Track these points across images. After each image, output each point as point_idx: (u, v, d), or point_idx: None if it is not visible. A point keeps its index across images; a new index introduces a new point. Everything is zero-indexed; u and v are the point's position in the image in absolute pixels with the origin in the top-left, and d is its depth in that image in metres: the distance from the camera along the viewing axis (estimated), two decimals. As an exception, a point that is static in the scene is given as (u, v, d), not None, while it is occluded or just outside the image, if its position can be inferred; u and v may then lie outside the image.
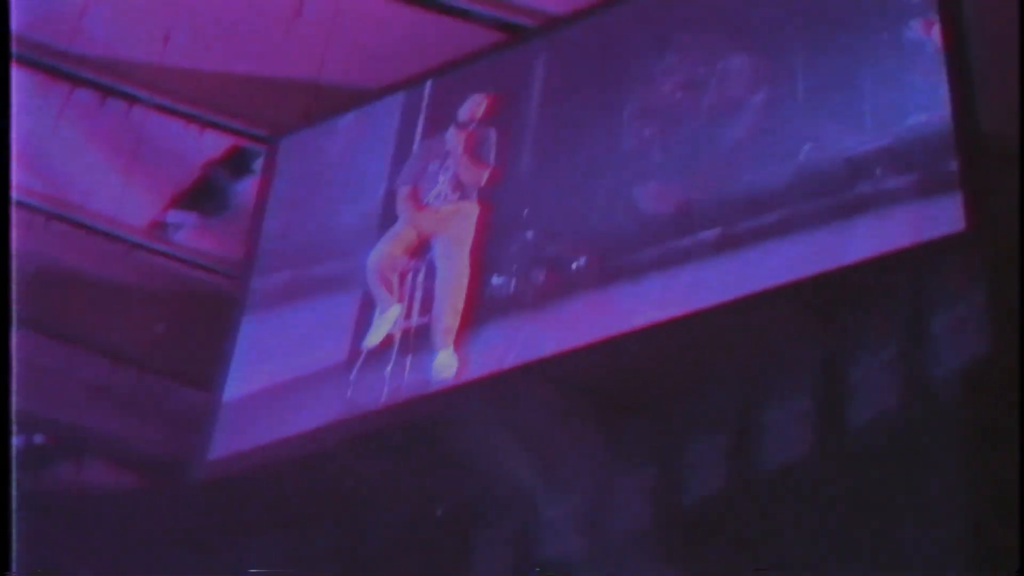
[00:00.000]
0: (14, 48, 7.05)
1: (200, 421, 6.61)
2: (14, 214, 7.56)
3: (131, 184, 7.59)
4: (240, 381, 6.81)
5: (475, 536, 6.43)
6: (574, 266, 5.94)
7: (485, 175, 6.52)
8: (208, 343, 6.97)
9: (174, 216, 7.81)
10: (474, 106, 6.73)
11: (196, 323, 7.57)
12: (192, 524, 7.38)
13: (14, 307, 3.28)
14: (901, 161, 4.96)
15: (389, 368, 6.29)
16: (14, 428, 3.18)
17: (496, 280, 6.18)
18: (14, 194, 7.53)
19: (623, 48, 6.35)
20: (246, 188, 7.52)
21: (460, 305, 6.22)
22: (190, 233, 7.88)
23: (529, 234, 6.20)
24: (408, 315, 6.44)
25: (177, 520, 7.50)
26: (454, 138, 6.73)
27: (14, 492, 3.15)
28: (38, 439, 8.53)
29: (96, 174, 7.65)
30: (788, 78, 5.61)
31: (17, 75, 7.15)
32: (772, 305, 5.10)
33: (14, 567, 3.21)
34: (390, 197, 6.84)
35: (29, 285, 7.69)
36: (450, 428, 5.98)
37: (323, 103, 7.04)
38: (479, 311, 6.16)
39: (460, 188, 6.59)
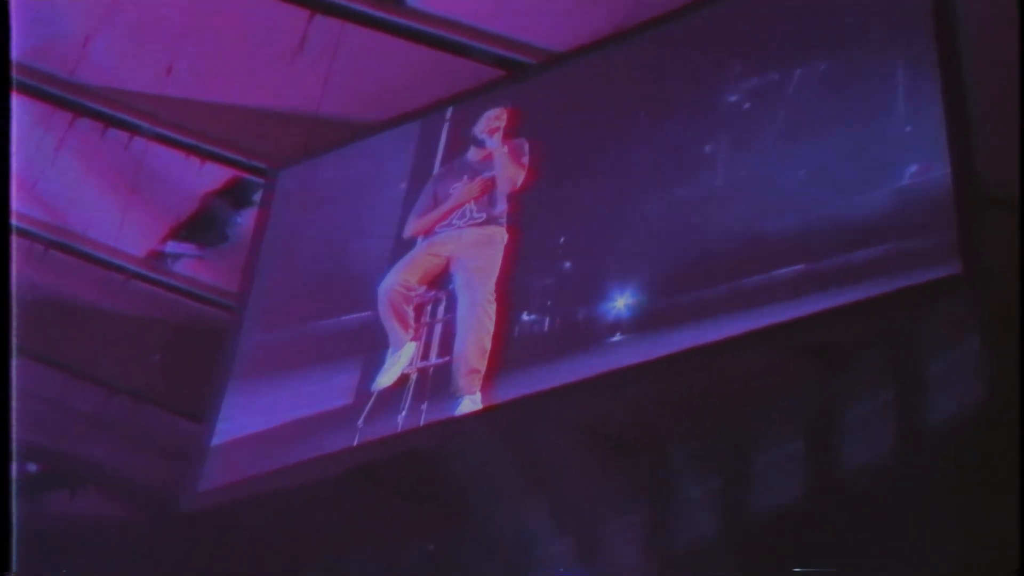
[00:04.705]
0: (16, 76, 7.11)
1: (192, 453, 6.50)
2: (14, 243, 7.60)
3: (130, 214, 7.60)
4: (235, 420, 6.30)
5: (467, 573, 6.40)
6: (620, 304, 5.22)
7: (521, 177, 5.84)
8: (204, 375, 6.93)
9: (173, 247, 7.81)
10: (493, 118, 6.14)
11: (192, 354, 7.55)
12: (180, 555, 7.35)
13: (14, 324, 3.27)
14: (898, 203, 4.79)
15: (402, 415, 5.60)
16: (12, 423, 3.17)
17: (527, 317, 5.46)
18: (14, 222, 7.57)
19: (674, 58, 5.73)
20: (245, 220, 7.51)
21: (487, 344, 5.48)
22: (188, 264, 7.88)
23: (567, 265, 5.49)
24: (425, 354, 5.72)
25: (166, 551, 7.47)
26: (477, 154, 6.10)
27: (14, 492, 3.13)
28: (32, 467, 8.51)
29: (96, 203, 7.66)
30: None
31: (18, 104, 7.21)
32: (766, 346, 4.99)
33: (14, 567, 3.19)
34: (404, 225, 6.23)
35: (27, 313, 7.71)
36: (444, 462, 5.83)
37: (322, 136, 7.05)
38: (508, 353, 5.43)
39: (488, 208, 5.86)
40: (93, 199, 7.67)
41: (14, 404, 3.21)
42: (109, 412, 7.93)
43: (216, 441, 6.35)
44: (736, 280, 4.89)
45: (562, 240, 5.53)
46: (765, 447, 5.48)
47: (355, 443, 5.69)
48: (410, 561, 6.63)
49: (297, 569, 7.07)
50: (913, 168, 4.69)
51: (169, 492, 6.94)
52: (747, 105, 5.28)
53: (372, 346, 5.92)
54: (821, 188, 4.90)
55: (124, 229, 7.63)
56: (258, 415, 6.22)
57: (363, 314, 6.06)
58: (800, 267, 4.76)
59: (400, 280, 5.95)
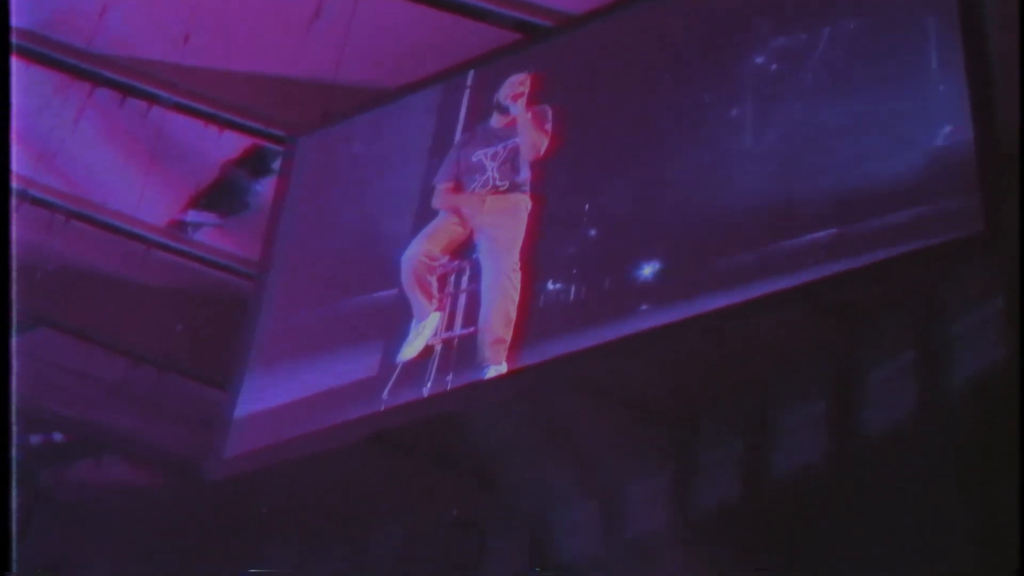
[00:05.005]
0: (34, 47, 7.11)
1: (216, 421, 6.53)
2: (33, 213, 7.63)
3: (150, 183, 7.61)
4: (258, 392, 6.27)
5: (490, 538, 6.42)
6: (647, 271, 5.13)
7: (544, 144, 5.73)
8: (226, 343, 6.96)
9: (193, 216, 7.82)
10: (517, 84, 6.04)
11: (214, 323, 7.58)
12: (205, 522, 7.40)
13: (14, 308, 3.27)
14: (930, 163, 4.66)
15: (427, 387, 5.56)
16: (14, 430, 3.18)
17: (552, 286, 5.38)
18: (35, 193, 7.59)
19: (699, 18, 5.58)
20: (265, 188, 7.52)
21: (513, 314, 5.40)
22: (209, 233, 7.89)
23: (592, 232, 5.40)
24: (450, 325, 5.66)
25: (191, 518, 7.52)
26: (500, 120, 5.99)
27: (14, 492, 3.14)
28: (58, 437, 8.57)
29: (116, 173, 7.67)
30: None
31: (37, 75, 7.23)
32: (789, 307, 4.96)
33: (14, 567, 3.20)
34: (427, 192, 6.14)
35: (50, 284, 7.76)
36: (469, 427, 5.79)
37: (341, 103, 7.04)
38: (533, 322, 5.35)
39: (511, 175, 5.76)
40: (113, 169, 7.68)
41: (14, 407, 3.21)
42: (133, 381, 7.97)
43: (240, 412, 6.34)
44: (765, 246, 4.83)
45: (587, 207, 5.45)
46: (789, 409, 5.46)
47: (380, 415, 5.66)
48: (434, 527, 6.66)
49: (321, 535, 7.12)
50: (947, 128, 4.61)
51: (193, 460, 6.99)
52: (774, 66, 5.18)
53: (396, 318, 5.86)
54: (851, 150, 4.81)
55: (144, 199, 7.65)
56: (281, 388, 6.19)
57: (386, 289, 6.00)
58: (830, 231, 4.70)
59: (423, 250, 5.88)
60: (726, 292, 4.84)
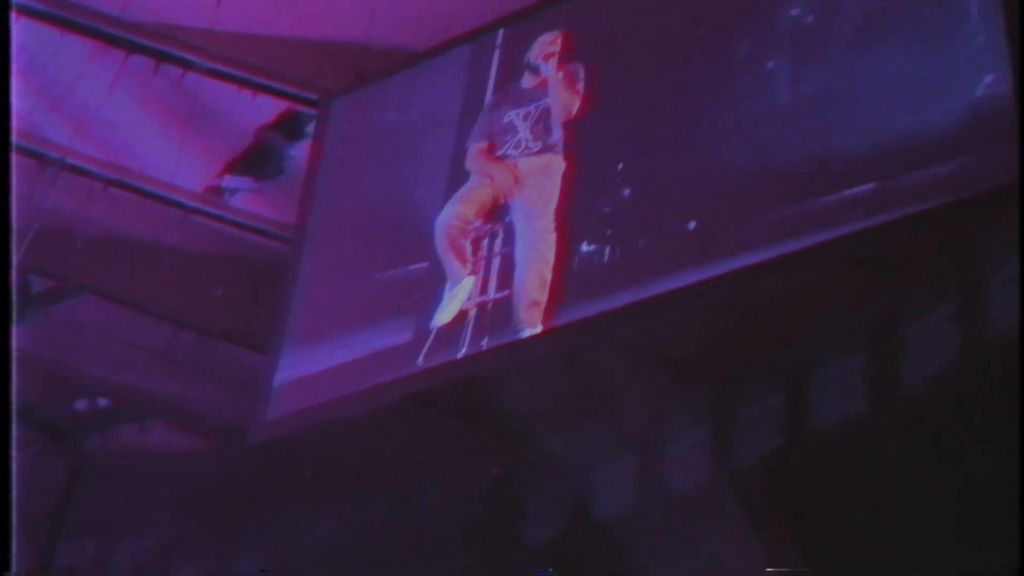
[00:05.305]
0: (68, 16, 7.14)
1: (256, 384, 6.58)
2: (72, 182, 7.68)
3: (186, 149, 7.64)
4: (296, 361, 6.31)
5: (531, 495, 6.45)
6: (683, 229, 5.02)
7: (576, 104, 5.65)
8: (265, 306, 7.01)
9: (230, 181, 7.85)
10: (547, 43, 5.94)
11: (253, 287, 7.63)
12: (246, 484, 7.47)
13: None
14: (970, 115, 4.53)
15: (463, 351, 5.54)
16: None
17: (587, 247, 5.31)
18: (72, 161, 7.64)
19: None
20: (300, 152, 7.54)
21: (548, 275, 5.35)
22: (246, 197, 7.92)
23: (626, 192, 5.31)
24: (484, 288, 5.61)
25: (233, 480, 7.60)
26: (532, 80, 5.92)
27: (14, 492, 3.18)
28: (102, 403, 8.67)
29: (152, 140, 7.71)
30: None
31: (72, 43, 7.26)
32: (826, 261, 4.90)
33: (14, 567, 3.25)
34: (460, 155, 6.07)
35: (90, 251, 7.83)
36: (506, 387, 5.81)
37: (374, 65, 7.03)
38: (568, 284, 5.29)
39: (544, 136, 5.69)
40: (149, 136, 7.72)
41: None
42: (175, 346, 8.03)
43: (279, 377, 6.40)
44: (802, 201, 4.76)
45: (620, 167, 5.38)
46: (827, 363, 5.44)
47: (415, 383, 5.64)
48: (475, 485, 6.71)
49: (362, 496, 7.18)
50: (987, 79, 4.51)
51: (235, 423, 7.06)
52: (810, 18, 5.09)
53: (430, 283, 5.83)
54: (889, 103, 4.72)
55: (181, 165, 7.68)
56: (319, 355, 6.22)
57: (420, 255, 5.97)
58: (868, 186, 4.61)
59: (456, 213, 5.85)
60: (764, 249, 4.78)
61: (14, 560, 3.24)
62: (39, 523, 8.34)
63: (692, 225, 5.02)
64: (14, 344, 3.28)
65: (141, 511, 8.60)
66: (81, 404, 8.62)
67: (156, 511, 8.56)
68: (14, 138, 7.54)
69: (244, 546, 7.94)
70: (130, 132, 7.73)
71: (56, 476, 8.52)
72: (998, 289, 4.88)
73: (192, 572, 8.35)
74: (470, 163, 5.99)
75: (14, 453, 3.21)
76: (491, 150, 5.92)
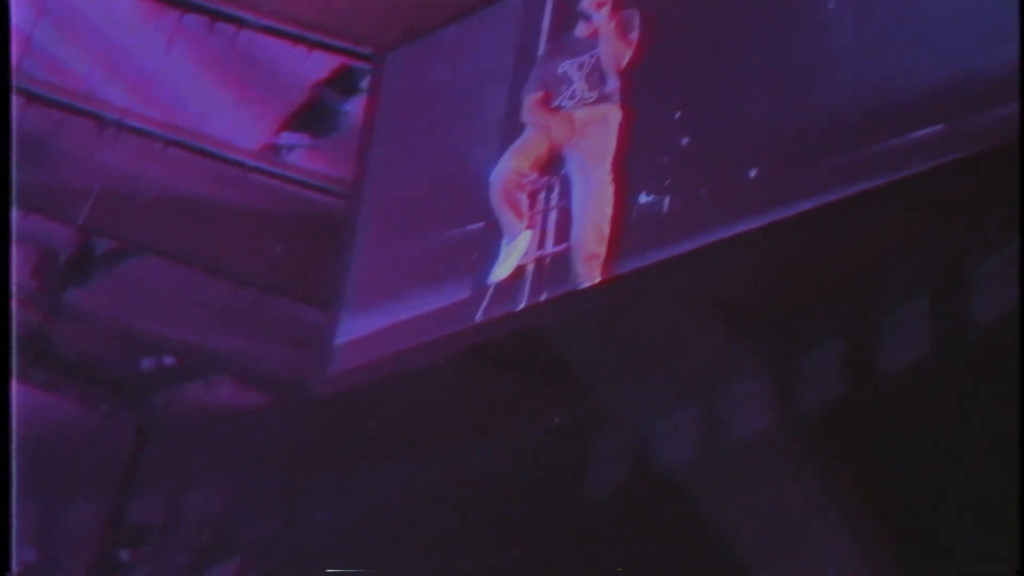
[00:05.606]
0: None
1: (319, 340, 6.63)
2: (131, 142, 7.74)
3: (242, 108, 7.67)
4: (355, 314, 6.35)
5: (591, 446, 6.46)
6: (744, 177, 4.90)
7: (629, 53, 5.50)
8: (325, 263, 7.04)
9: (286, 138, 7.87)
10: None
11: (312, 243, 7.66)
12: (312, 439, 7.54)
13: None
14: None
15: (522, 307, 5.51)
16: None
17: (645, 198, 5.20)
18: (131, 122, 7.70)
19: None
20: (355, 108, 7.54)
21: (606, 228, 5.25)
22: (303, 154, 7.94)
23: (684, 141, 5.19)
24: (542, 243, 5.56)
25: (299, 435, 7.68)
26: (585, 29, 5.74)
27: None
28: (168, 361, 8.77)
29: (208, 99, 7.74)
30: None
31: (127, 5, 7.30)
32: (889, 203, 4.84)
33: (14, 567, 3.29)
34: (514, 108, 5.97)
35: (151, 211, 7.90)
36: (565, 338, 5.82)
37: (427, 17, 7.00)
38: (627, 236, 5.20)
39: (599, 86, 5.56)
40: (205, 95, 7.75)
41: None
42: (237, 304, 8.10)
43: (341, 334, 6.43)
44: (866, 146, 4.62)
45: (678, 115, 5.26)
46: (891, 308, 5.37)
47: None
48: (535, 436, 6.72)
49: (426, 448, 7.22)
50: None
51: (298, 378, 7.12)
52: None
53: (486, 241, 5.78)
54: (953, 43, 4.56)
55: (238, 123, 7.72)
56: (379, 312, 6.23)
57: (477, 212, 5.89)
58: (933, 128, 4.48)
59: (512, 167, 5.75)
60: (825, 195, 4.67)
61: (14, 560, 3.29)
62: (109, 482, 8.49)
63: (753, 173, 4.91)
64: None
65: (210, 467, 8.71)
66: (147, 363, 8.72)
67: (225, 467, 8.66)
68: (71, 100, 7.62)
69: (318, 500, 8.02)
70: (186, 91, 7.77)
71: (123, 435, 8.64)
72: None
73: (266, 526, 8.45)
74: (525, 115, 5.88)
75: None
76: (546, 101, 5.80)
